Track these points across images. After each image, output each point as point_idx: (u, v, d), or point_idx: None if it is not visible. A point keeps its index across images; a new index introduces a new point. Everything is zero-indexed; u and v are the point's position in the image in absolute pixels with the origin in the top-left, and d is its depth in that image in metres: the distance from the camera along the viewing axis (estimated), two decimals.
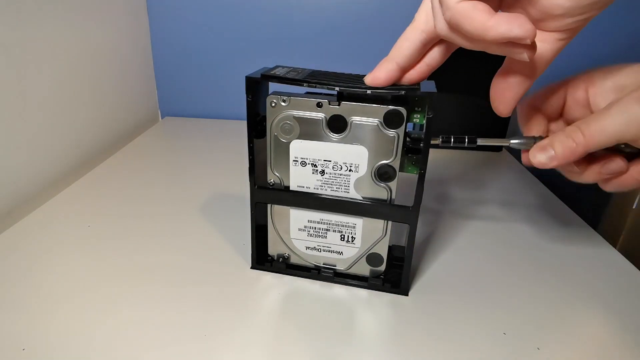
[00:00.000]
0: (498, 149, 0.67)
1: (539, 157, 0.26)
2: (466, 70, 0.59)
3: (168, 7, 0.70)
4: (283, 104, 0.30)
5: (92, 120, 0.57)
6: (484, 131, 0.66)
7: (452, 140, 0.30)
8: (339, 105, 0.29)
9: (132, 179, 0.52)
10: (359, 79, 0.29)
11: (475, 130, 0.66)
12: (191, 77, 0.75)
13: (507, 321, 0.31)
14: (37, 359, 0.27)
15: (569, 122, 0.29)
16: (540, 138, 0.28)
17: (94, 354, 0.27)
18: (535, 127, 0.30)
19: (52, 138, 0.49)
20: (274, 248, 0.35)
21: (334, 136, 0.30)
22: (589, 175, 0.27)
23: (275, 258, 0.35)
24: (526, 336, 0.30)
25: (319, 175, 0.31)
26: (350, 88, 0.28)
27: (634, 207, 0.69)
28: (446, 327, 0.31)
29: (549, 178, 0.57)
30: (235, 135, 0.68)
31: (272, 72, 0.30)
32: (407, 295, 0.34)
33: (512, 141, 0.29)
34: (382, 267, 0.34)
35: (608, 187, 0.28)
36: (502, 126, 0.65)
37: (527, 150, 0.28)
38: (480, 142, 0.30)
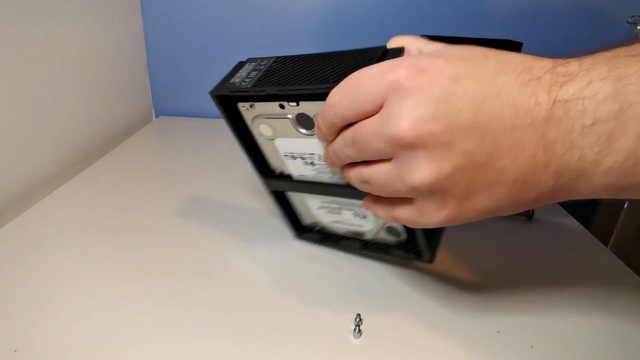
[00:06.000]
0: None
1: None
2: None
3: (162, 6, 0.70)
4: (251, 109, 0.30)
5: (86, 119, 0.57)
6: None
7: None
8: (297, 105, 0.29)
9: (125, 178, 0.51)
10: (325, 58, 0.29)
11: None
12: (185, 76, 0.75)
13: (501, 319, 0.32)
14: None
15: None
16: None
17: (87, 355, 0.27)
18: None
19: (45, 137, 0.49)
20: (306, 219, 0.38)
21: (307, 132, 0.30)
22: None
23: (311, 227, 0.39)
24: (520, 334, 0.30)
25: (311, 166, 0.32)
26: (293, 90, 0.27)
27: (625, 207, 0.70)
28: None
29: None
30: (230, 134, 0.68)
31: (232, 80, 0.30)
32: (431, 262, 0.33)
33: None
34: (403, 238, 0.34)
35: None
36: None
37: None
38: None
